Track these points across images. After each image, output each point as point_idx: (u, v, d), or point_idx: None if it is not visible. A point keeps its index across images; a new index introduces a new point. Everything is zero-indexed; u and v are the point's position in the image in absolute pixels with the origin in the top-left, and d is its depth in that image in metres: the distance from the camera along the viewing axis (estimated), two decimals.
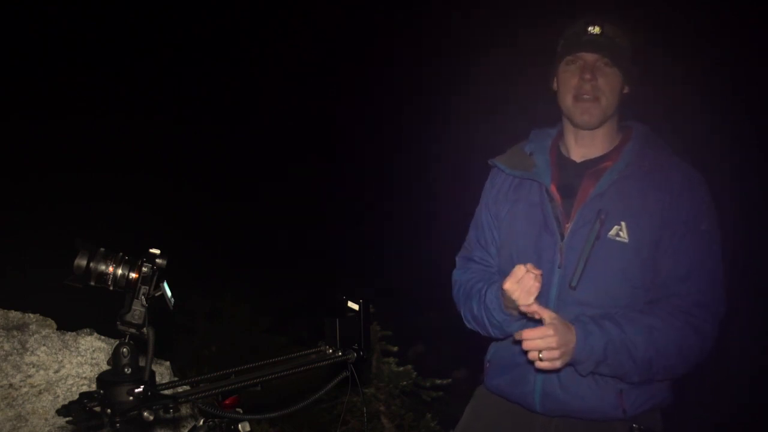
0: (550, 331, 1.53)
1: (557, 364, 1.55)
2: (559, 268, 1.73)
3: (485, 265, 1.97)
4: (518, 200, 1.87)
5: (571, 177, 1.79)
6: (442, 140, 10.63)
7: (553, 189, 1.79)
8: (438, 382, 3.79)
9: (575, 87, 1.74)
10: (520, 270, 1.59)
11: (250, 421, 1.49)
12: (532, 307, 1.57)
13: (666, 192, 1.67)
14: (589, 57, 1.72)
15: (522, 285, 1.58)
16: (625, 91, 1.77)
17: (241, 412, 1.43)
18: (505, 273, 1.86)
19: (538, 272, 1.59)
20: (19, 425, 2.20)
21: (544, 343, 1.53)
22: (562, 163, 1.84)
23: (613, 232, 1.67)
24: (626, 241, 1.66)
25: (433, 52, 12.09)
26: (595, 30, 1.72)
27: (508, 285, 1.60)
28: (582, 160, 1.80)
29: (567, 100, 1.76)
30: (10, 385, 2.21)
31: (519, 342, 1.59)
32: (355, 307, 1.63)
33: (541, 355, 1.53)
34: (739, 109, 7.23)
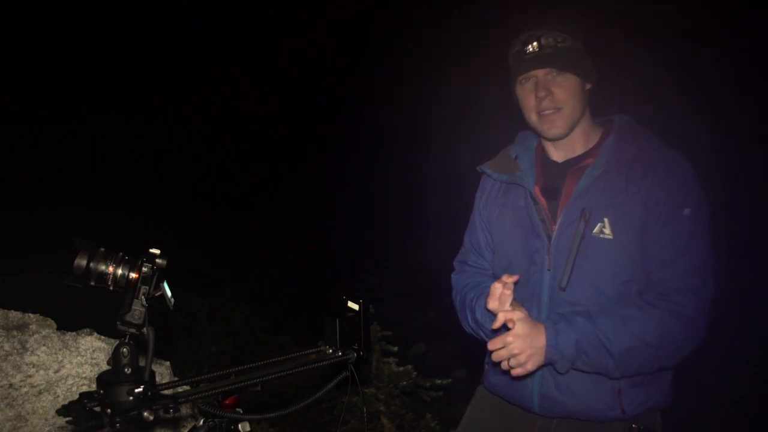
0: (509, 338, 1.54)
1: (528, 367, 1.55)
2: (548, 270, 1.73)
3: (480, 269, 1.99)
4: (506, 205, 1.88)
5: (555, 178, 1.79)
6: (443, 142, 10.63)
7: (537, 192, 1.79)
8: (438, 382, 3.79)
9: (535, 105, 1.74)
10: (497, 288, 1.62)
11: (250, 421, 1.49)
12: (506, 315, 1.57)
13: (647, 179, 1.65)
14: (539, 72, 1.72)
15: (500, 301, 1.62)
16: (588, 87, 1.75)
17: (241, 412, 1.43)
18: (499, 276, 1.88)
19: (511, 280, 1.61)
20: (19, 425, 2.20)
21: (506, 352, 1.54)
22: (545, 164, 1.84)
23: (597, 229, 1.67)
24: (611, 237, 1.65)
25: (438, 50, 12.09)
26: (533, 47, 1.70)
27: (491, 305, 1.63)
28: (564, 160, 1.80)
29: (532, 118, 1.77)
30: (10, 385, 2.21)
31: None
32: (355, 307, 1.63)
33: (510, 363, 1.55)
34: (736, 108, 7.23)
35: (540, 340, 1.55)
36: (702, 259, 1.62)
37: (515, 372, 1.56)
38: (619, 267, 1.65)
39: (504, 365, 1.57)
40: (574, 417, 1.72)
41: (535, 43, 1.69)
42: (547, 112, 1.72)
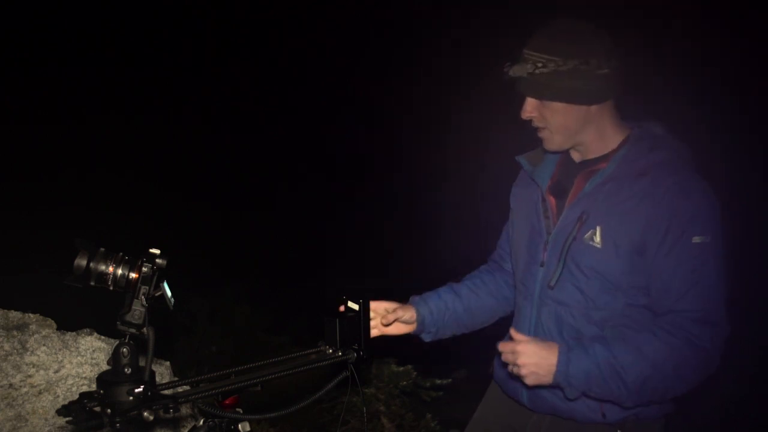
0: (519, 348, 1.57)
1: (527, 381, 1.58)
2: (541, 266, 1.75)
3: (494, 261, 2.11)
4: (524, 196, 1.91)
5: (568, 177, 1.79)
6: (445, 143, 10.63)
7: (547, 189, 1.81)
8: (438, 382, 3.79)
9: None
10: (389, 307, 1.81)
11: (250, 421, 1.49)
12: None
13: (651, 197, 1.59)
14: (522, 94, 1.70)
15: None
16: (592, 108, 1.66)
17: (241, 412, 1.43)
18: (514, 264, 1.95)
19: (393, 317, 1.78)
20: (19, 425, 2.20)
21: (512, 358, 1.58)
22: (565, 162, 1.84)
23: (587, 235, 1.65)
24: (599, 246, 1.63)
25: (439, 49, 12.08)
26: (506, 75, 1.66)
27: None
28: (580, 160, 1.80)
29: None
30: (10, 385, 2.21)
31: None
32: (355, 307, 1.63)
33: (513, 369, 1.59)
34: (736, 108, 7.23)
35: (550, 362, 1.56)
36: (715, 291, 1.57)
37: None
38: (608, 276, 1.63)
39: (509, 368, 1.61)
40: (559, 415, 1.73)
41: (509, 72, 1.65)
42: (536, 127, 1.73)
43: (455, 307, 1.96)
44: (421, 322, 1.89)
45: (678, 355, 1.54)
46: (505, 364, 1.65)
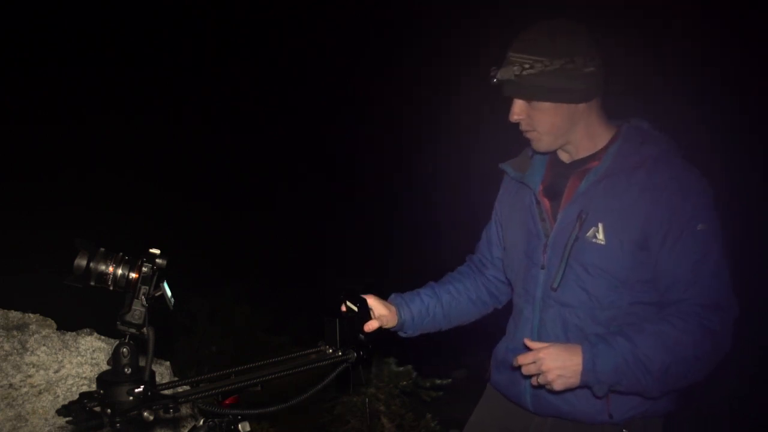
0: (541, 354, 1.54)
1: (555, 387, 1.54)
2: (542, 269, 1.75)
3: (474, 264, 2.09)
4: (515, 203, 1.90)
5: (559, 178, 1.79)
6: (445, 143, 10.62)
7: (540, 192, 1.80)
8: (438, 382, 3.79)
9: None
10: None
11: (251, 421, 1.49)
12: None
13: (650, 191, 1.61)
14: (509, 97, 1.70)
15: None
16: (580, 107, 1.67)
17: None
18: (509, 271, 1.93)
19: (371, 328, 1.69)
20: (19, 425, 2.20)
21: (535, 368, 1.54)
22: (554, 164, 1.84)
23: (590, 233, 1.65)
24: (603, 242, 1.64)
25: (438, 51, 12.08)
26: (493, 79, 1.65)
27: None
28: (570, 161, 1.79)
29: None
30: (10, 385, 2.21)
31: (516, 346, 1.63)
32: (355, 307, 1.64)
33: (538, 380, 1.56)
34: (736, 108, 7.23)
35: (575, 362, 1.53)
36: (720, 275, 1.60)
37: (550, 388, 1.56)
38: (612, 273, 1.64)
39: (533, 381, 1.58)
40: (563, 417, 1.73)
41: (495, 76, 1.64)
42: (524, 130, 1.73)
43: (435, 312, 1.97)
44: (401, 324, 1.91)
45: (693, 339, 1.55)
46: (525, 376, 1.63)
